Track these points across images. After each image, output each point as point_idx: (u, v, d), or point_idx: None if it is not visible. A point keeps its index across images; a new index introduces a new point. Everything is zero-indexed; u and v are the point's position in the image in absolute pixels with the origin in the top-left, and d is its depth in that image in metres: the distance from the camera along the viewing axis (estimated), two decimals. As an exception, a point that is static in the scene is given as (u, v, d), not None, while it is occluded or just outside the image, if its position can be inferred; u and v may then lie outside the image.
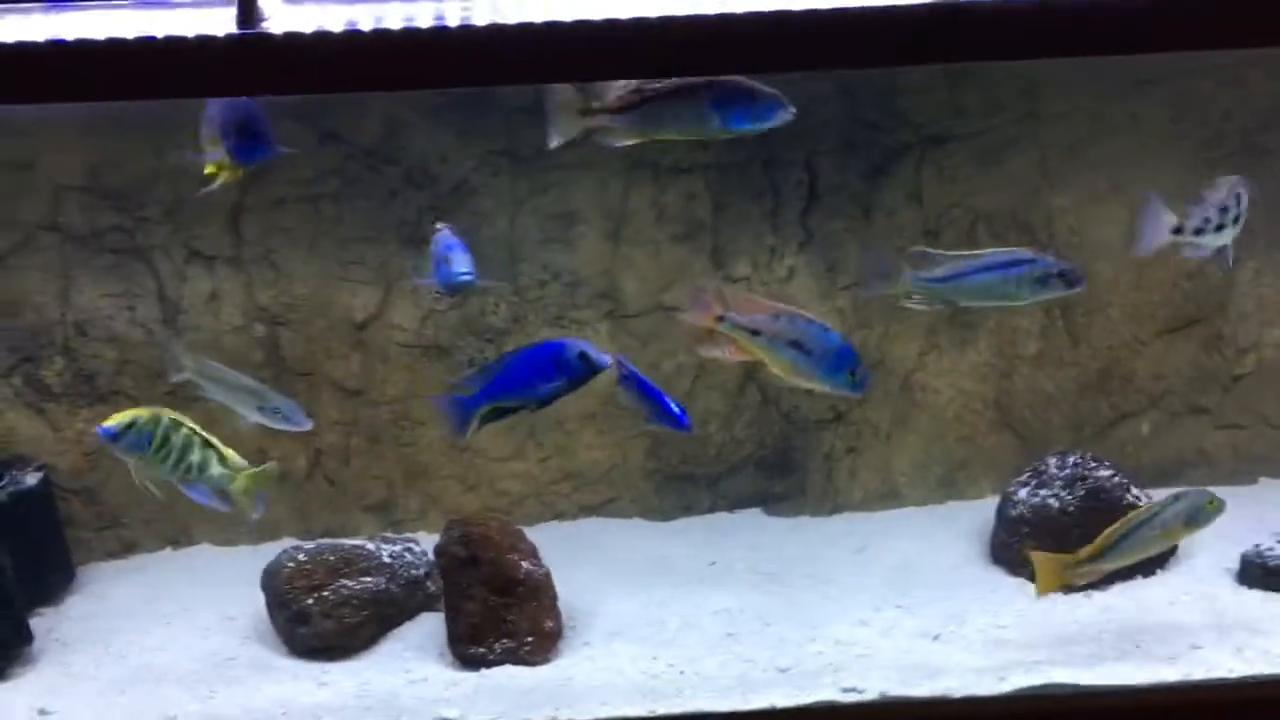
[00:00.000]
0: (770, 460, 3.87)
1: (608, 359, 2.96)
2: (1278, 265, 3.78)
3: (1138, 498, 3.46)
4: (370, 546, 3.40)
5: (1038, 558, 3.20)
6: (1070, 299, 3.66)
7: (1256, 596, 3.33)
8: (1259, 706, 3.05)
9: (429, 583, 3.41)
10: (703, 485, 3.90)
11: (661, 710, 2.95)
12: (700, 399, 3.72)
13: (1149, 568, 3.46)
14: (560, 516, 3.89)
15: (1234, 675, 2.98)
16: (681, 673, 3.10)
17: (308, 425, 3.33)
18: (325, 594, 3.23)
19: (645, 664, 3.15)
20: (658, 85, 2.74)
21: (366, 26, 2.32)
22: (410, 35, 2.32)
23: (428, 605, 3.39)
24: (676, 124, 2.81)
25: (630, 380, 3.19)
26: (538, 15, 2.34)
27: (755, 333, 2.92)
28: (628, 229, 3.67)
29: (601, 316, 3.73)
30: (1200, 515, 3.20)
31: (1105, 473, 3.48)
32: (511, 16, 2.34)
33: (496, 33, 2.32)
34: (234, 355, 3.64)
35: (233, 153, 2.87)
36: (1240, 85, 3.62)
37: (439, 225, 3.23)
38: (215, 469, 3.09)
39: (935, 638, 3.21)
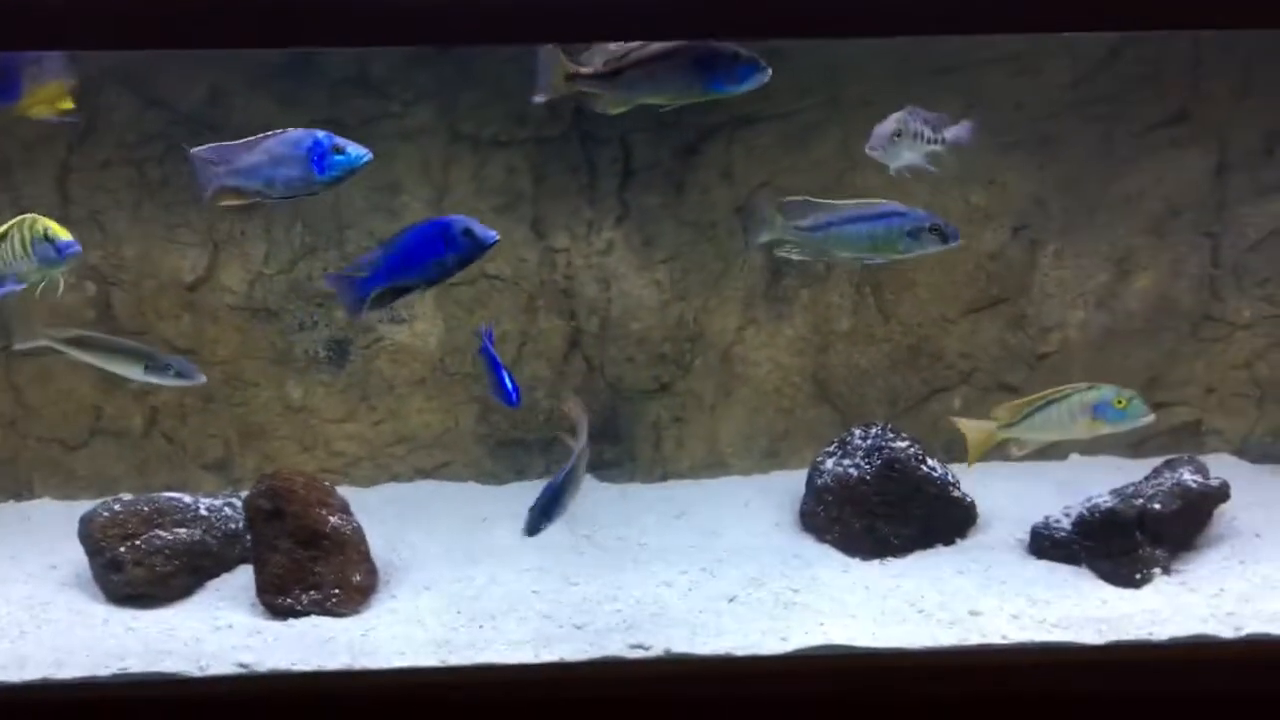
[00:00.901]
0: (599, 428, 3.97)
1: (494, 234, 2.97)
2: (1076, 248, 3.91)
3: (933, 469, 3.60)
4: (187, 499, 3.49)
5: (964, 425, 3.37)
6: (883, 274, 3.84)
7: (1043, 567, 3.47)
8: (1026, 672, 3.23)
9: (249, 536, 3.51)
10: (534, 451, 4.02)
11: (453, 661, 3.06)
12: (527, 366, 3.84)
13: (948, 536, 3.60)
14: (396, 479, 4.00)
15: (1006, 641, 3.11)
16: (480, 627, 3.22)
17: (202, 379, 3.41)
18: (138, 543, 3.32)
19: (447, 618, 3.26)
20: (641, 51, 2.82)
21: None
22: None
23: (248, 558, 3.45)
24: (660, 88, 2.89)
25: (485, 349, 3.38)
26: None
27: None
28: (450, 199, 3.78)
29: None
30: (1108, 410, 3.27)
31: (902, 444, 3.61)
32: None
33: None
34: (67, 314, 3.72)
35: None
36: (1032, 75, 3.73)
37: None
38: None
39: (731, 600, 3.33)
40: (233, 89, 3.65)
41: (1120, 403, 3.24)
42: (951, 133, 3.21)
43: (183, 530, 3.40)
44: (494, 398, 3.41)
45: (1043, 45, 3.51)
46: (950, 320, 3.95)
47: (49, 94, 3.20)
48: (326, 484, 3.44)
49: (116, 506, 3.42)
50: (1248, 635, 3.12)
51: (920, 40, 3.25)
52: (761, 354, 3.95)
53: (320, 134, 2.92)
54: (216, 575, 3.48)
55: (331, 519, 3.33)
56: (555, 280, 3.86)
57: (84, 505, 3.65)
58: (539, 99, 2.93)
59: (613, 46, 2.84)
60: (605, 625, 3.25)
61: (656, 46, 2.80)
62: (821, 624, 3.21)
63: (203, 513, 3.47)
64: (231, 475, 3.93)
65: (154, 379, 3.37)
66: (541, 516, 3.44)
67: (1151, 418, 3.30)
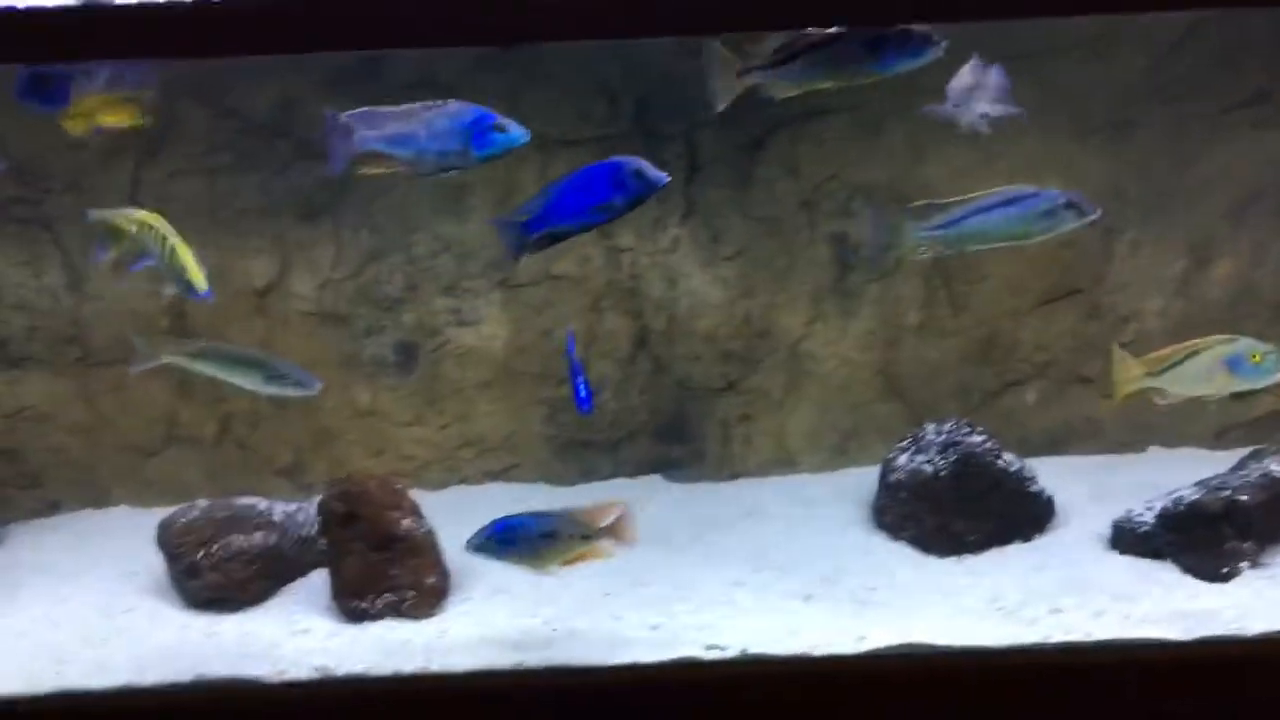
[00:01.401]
0: (666, 427, 3.97)
1: (666, 176, 2.87)
2: (1153, 237, 3.83)
3: (1009, 464, 3.53)
4: (262, 505, 3.53)
5: (1116, 355, 3.28)
6: (954, 266, 3.76)
7: (1124, 563, 3.41)
8: (1111, 670, 3.16)
9: (323, 541, 3.51)
10: (602, 452, 4.01)
11: (528, 662, 3.06)
12: (593, 367, 3.83)
13: (1026, 532, 3.53)
14: (465, 481, 4.01)
15: (1089, 639, 3.05)
16: (554, 630, 3.22)
17: (319, 386, 3.40)
18: (214, 549, 3.37)
19: (520, 621, 3.27)
20: (810, 37, 2.78)
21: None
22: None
23: (322, 562, 3.47)
24: (832, 71, 2.84)
25: (568, 352, 3.34)
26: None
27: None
28: (516, 200, 3.74)
29: (494, 286, 3.84)
30: (1242, 364, 3.17)
31: (977, 439, 3.55)
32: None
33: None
34: (143, 320, 3.79)
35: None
36: (1106, 60, 3.66)
37: None
38: None
39: (807, 598, 3.30)
40: (303, 95, 3.67)
41: (1256, 357, 3.13)
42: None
43: (258, 535, 3.44)
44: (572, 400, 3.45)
45: (1116, 29, 3.44)
46: (1024, 312, 3.89)
47: (93, 106, 3.18)
48: (399, 487, 3.45)
49: (193, 513, 3.46)
50: (1340, 630, 3.15)
51: (991, 27, 3.19)
52: (829, 350, 3.91)
53: (482, 109, 2.84)
54: (292, 580, 3.51)
55: (404, 522, 3.35)
56: (621, 279, 3.85)
57: (161, 512, 3.69)
58: (720, 107, 2.90)
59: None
60: (679, 626, 3.22)
61: (827, 31, 2.77)
62: (900, 622, 3.16)
63: (277, 518, 3.51)
64: (302, 480, 3.97)
65: (273, 389, 3.38)
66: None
67: None
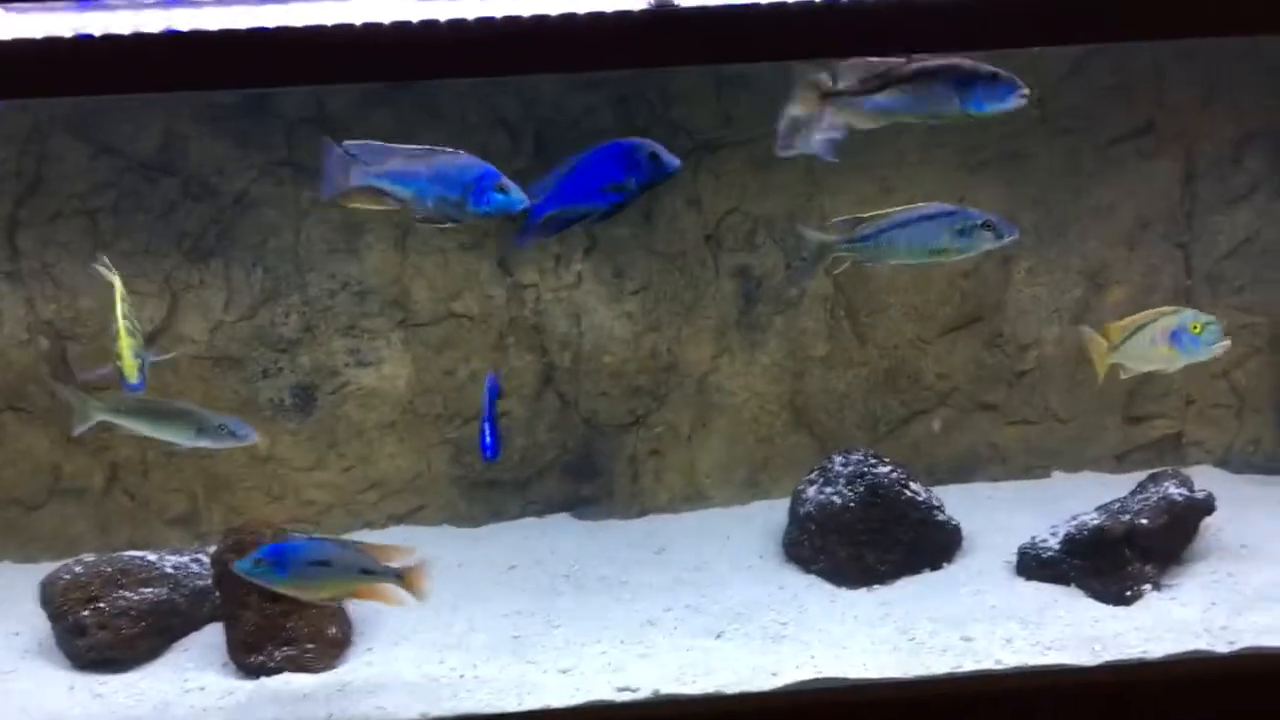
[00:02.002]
0: (575, 464, 3.91)
1: (679, 162, 2.82)
2: (1049, 264, 3.89)
3: (916, 493, 3.54)
4: (152, 558, 3.39)
5: (1087, 335, 3.34)
6: (857, 297, 3.80)
7: (1031, 588, 3.43)
8: (1023, 696, 3.19)
9: (217, 593, 3.38)
10: (510, 491, 3.94)
11: (434, 713, 2.97)
12: (499, 405, 3.73)
13: (935, 561, 3.55)
14: (369, 525, 3.90)
15: (1000, 666, 3.06)
16: (461, 676, 3.13)
17: (255, 437, 3.31)
18: (101, 605, 3.21)
19: (427, 668, 3.18)
20: (901, 68, 2.76)
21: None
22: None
23: (217, 616, 3.36)
24: (917, 106, 2.81)
25: (490, 394, 3.30)
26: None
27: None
28: (414, 238, 3.71)
29: (394, 325, 3.75)
30: (1183, 336, 3.21)
31: (884, 469, 3.57)
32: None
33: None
34: (21, 370, 3.64)
35: None
36: None
37: None
38: None
39: (718, 635, 3.26)
40: (186, 132, 3.57)
41: (1196, 328, 3.18)
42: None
43: (148, 590, 3.29)
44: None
45: (1006, 62, 3.50)
46: (927, 341, 3.91)
47: None
48: (296, 534, 3.35)
49: (78, 568, 3.31)
50: (1241, 649, 3.08)
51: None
52: (737, 382, 3.89)
53: (490, 167, 2.83)
54: (185, 635, 3.37)
55: (303, 571, 3.33)
56: (525, 316, 3.80)
57: (46, 568, 3.53)
58: (795, 112, 2.89)
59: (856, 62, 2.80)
60: (590, 668, 3.16)
61: (917, 64, 2.75)
62: (812, 657, 3.14)
63: (168, 570, 3.37)
64: (198, 530, 3.82)
65: (207, 443, 3.25)
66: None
67: (1226, 344, 3.21)
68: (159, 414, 3.32)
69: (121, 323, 3.15)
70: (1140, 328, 3.23)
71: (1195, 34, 2.67)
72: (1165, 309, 3.27)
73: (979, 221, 3.04)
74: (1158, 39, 2.89)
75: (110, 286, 3.16)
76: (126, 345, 3.13)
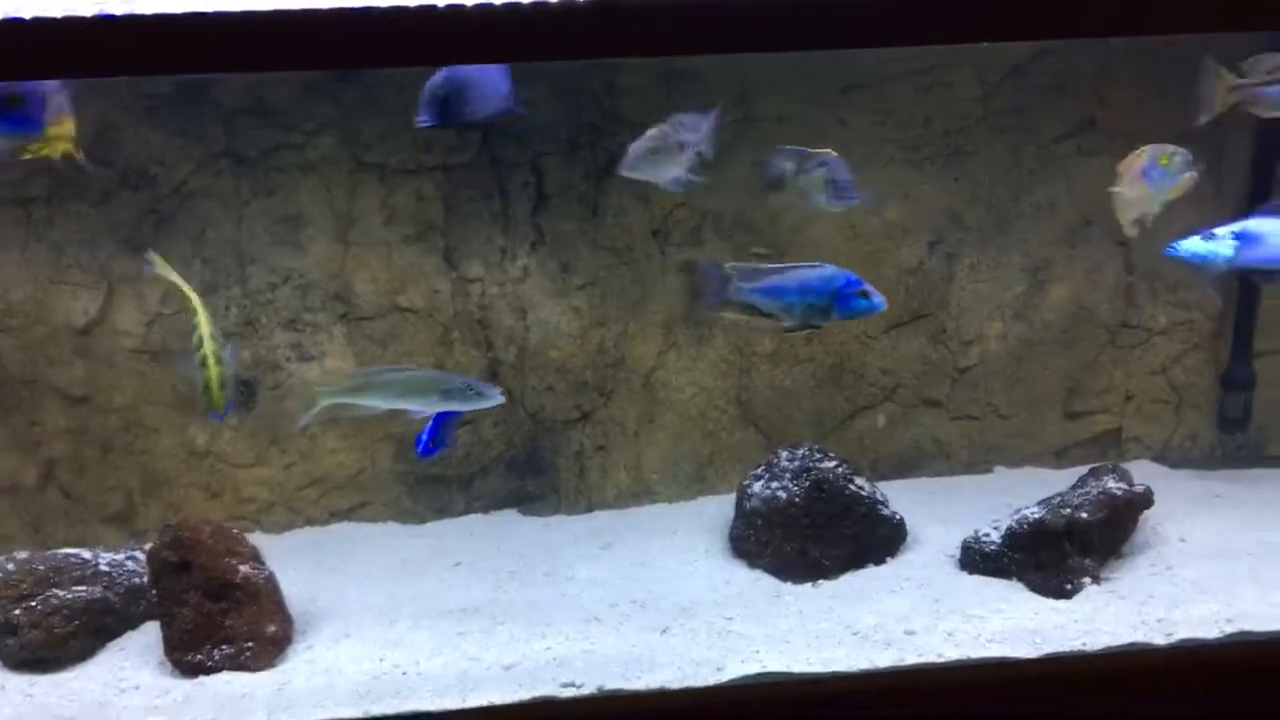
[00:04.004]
0: (521, 460, 3.89)
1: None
2: (992, 260, 3.91)
3: (861, 488, 3.55)
4: (86, 555, 3.31)
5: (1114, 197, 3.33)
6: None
7: (974, 582, 3.46)
8: (964, 689, 3.22)
9: (154, 591, 3.31)
10: (456, 487, 3.90)
11: (376, 711, 2.93)
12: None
13: (880, 555, 3.57)
14: (311, 523, 3.86)
15: (942, 659, 3.09)
16: (404, 673, 3.09)
17: (501, 398, 3.26)
18: (34, 604, 3.13)
19: (369, 665, 3.13)
20: None
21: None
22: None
23: (154, 614, 3.28)
24: None
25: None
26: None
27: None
28: (356, 231, 3.66)
29: (336, 319, 3.71)
30: (1154, 171, 3.22)
31: (829, 464, 3.56)
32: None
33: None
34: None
35: None
36: (942, 89, 3.74)
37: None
38: None
39: (664, 631, 3.24)
40: (122, 123, 3.51)
41: (1164, 160, 3.20)
42: (705, 127, 3.16)
43: (82, 588, 3.21)
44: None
45: (951, 59, 3.54)
46: (871, 337, 3.93)
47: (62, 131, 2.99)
48: (235, 531, 3.28)
49: (10, 566, 3.24)
50: (1178, 641, 3.13)
51: (830, 56, 3.25)
52: (684, 378, 3.89)
53: (851, 275, 3.10)
54: (120, 634, 3.30)
55: (242, 568, 3.17)
56: (470, 311, 3.76)
57: (-23, 567, 3.57)
58: (1204, 119, 2.97)
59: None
60: (535, 664, 3.13)
61: None
62: (757, 651, 3.14)
63: (103, 568, 3.30)
64: (134, 528, 3.76)
65: (454, 405, 3.17)
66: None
67: (1194, 174, 3.24)
68: (398, 385, 3.23)
69: (208, 345, 3.04)
70: (1126, 170, 3.25)
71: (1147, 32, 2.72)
72: (1137, 150, 3.27)
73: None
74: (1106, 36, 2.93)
75: (182, 296, 3.06)
76: (215, 373, 3.02)
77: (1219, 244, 3.19)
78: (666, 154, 3.05)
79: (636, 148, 3.03)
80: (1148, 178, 3.22)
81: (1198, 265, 3.25)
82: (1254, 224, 3.19)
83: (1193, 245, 3.22)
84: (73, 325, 3.59)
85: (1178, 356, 4.07)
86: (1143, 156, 3.22)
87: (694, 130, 3.11)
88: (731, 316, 3.25)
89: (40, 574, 3.21)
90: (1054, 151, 3.87)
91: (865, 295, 3.08)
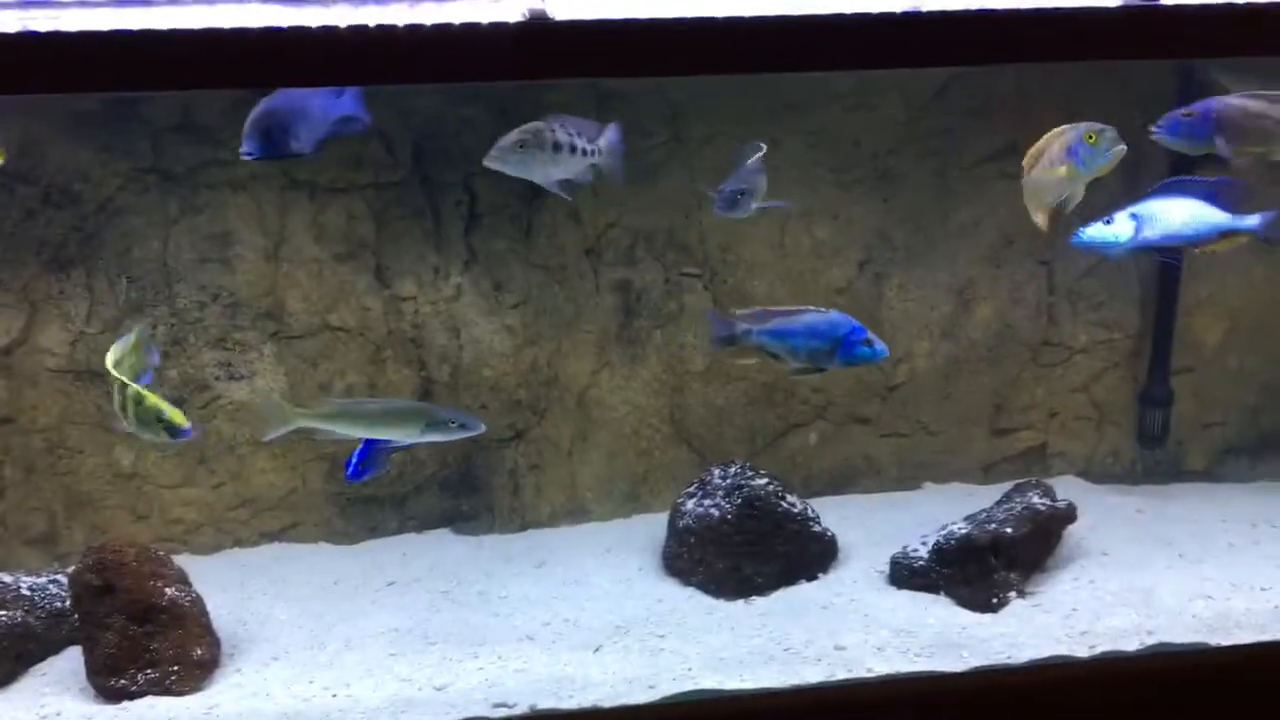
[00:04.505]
0: (454, 479, 3.88)
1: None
2: (920, 280, 3.98)
3: (792, 505, 3.58)
4: (7, 579, 3.25)
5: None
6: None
7: (903, 597, 3.50)
8: (892, 703, 3.25)
9: (76, 615, 3.24)
10: (389, 507, 3.88)
11: (304, 736, 3.02)
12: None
13: (811, 572, 3.61)
14: (240, 544, 3.81)
15: (873, 674, 3.13)
16: (334, 695, 3.07)
17: (482, 427, 3.24)
18: (-49, 629, 3.15)
19: (298, 688, 3.10)
20: None
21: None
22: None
23: (77, 639, 3.20)
24: None
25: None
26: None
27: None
28: (287, 248, 3.64)
29: (266, 338, 3.68)
30: (1079, 150, 3.13)
31: (761, 481, 3.60)
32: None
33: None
34: None
35: None
36: (868, 112, 3.80)
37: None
38: None
39: (597, 649, 3.26)
40: (48, 138, 3.44)
41: (1090, 138, 3.13)
42: (605, 140, 3.16)
43: (3, 613, 3.16)
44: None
45: (876, 83, 3.60)
46: (803, 356, 4.07)
47: None
48: (161, 553, 3.23)
49: (-73, 591, 3.23)
50: (1100, 653, 3.20)
51: (761, 79, 3.29)
52: (617, 396, 3.90)
53: (856, 323, 3.20)
54: (42, 659, 3.23)
55: (168, 591, 3.13)
56: (403, 329, 3.75)
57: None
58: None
59: None
60: (467, 685, 3.13)
61: None
62: (689, 669, 3.16)
63: (24, 592, 3.23)
64: (58, 550, 3.69)
65: (435, 437, 3.15)
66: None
67: (1122, 149, 3.15)
68: (377, 414, 3.21)
69: (132, 389, 3.00)
70: (1040, 154, 3.22)
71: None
72: (1057, 129, 3.22)
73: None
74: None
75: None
76: (156, 399, 2.97)
77: (1118, 227, 3.25)
78: (539, 151, 2.98)
79: (503, 141, 2.97)
80: (1074, 156, 3.18)
81: (1102, 250, 3.32)
82: (1150, 205, 3.25)
83: (1094, 231, 3.28)
84: (-7, 345, 3.63)
85: (1098, 374, 4.17)
86: (1064, 136, 3.19)
87: (584, 135, 3.07)
88: (742, 362, 3.37)
89: (-42, 598, 3.23)
90: (977, 173, 3.93)
91: (868, 343, 3.18)
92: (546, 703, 3.02)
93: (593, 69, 2.70)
